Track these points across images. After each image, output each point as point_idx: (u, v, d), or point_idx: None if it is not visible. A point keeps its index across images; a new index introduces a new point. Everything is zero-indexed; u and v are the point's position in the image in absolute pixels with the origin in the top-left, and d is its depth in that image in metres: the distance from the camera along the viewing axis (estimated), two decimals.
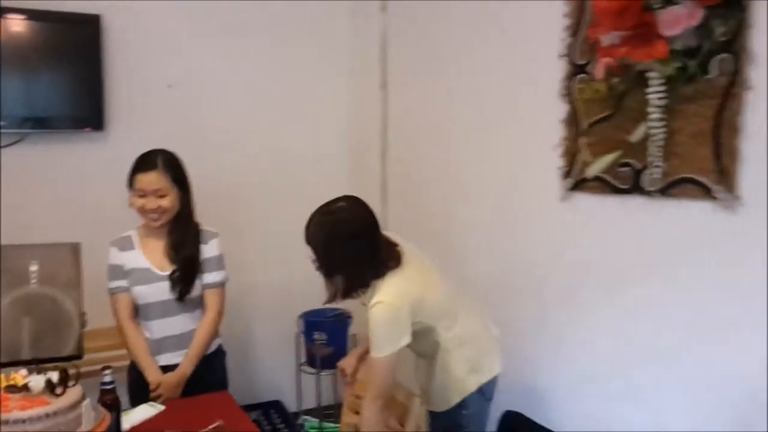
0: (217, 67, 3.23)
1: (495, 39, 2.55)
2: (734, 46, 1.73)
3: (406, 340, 1.95)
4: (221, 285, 2.38)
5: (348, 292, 2.01)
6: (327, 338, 3.18)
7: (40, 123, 2.86)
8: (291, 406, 3.42)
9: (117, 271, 2.30)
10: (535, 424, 2.25)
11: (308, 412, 3.40)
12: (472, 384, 2.09)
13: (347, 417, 2.36)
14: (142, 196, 2.24)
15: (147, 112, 3.08)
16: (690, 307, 1.92)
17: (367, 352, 2.14)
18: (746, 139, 1.75)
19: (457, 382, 2.08)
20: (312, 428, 3.28)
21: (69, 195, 2.98)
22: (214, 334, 2.38)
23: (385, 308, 1.92)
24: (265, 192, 3.39)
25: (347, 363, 2.30)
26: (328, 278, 2.00)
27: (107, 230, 2.37)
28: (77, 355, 2.05)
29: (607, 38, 1.86)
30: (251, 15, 3.26)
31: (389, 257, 2.00)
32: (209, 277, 2.34)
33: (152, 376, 2.26)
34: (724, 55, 1.75)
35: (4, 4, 2.75)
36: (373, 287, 1.98)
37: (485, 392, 2.13)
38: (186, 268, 2.30)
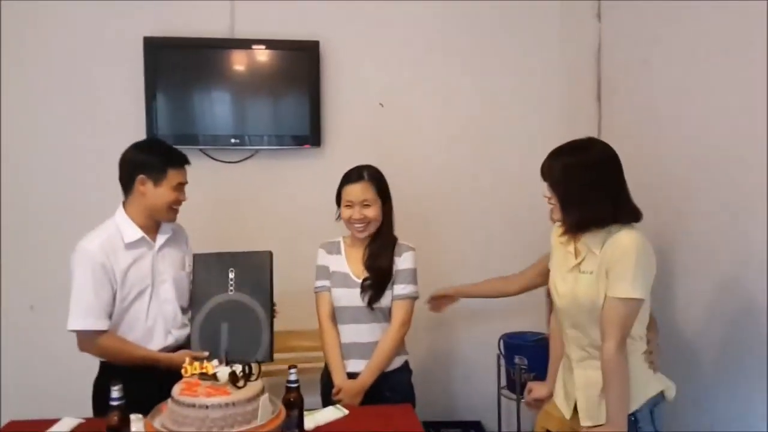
0: (424, 84, 3.30)
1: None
2: None
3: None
4: (409, 298, 2.41)
5: (582, 225, 1.89)
6: (528, 363, 3.04)
7: (269, 140, 3.16)
8: (490, 428, 3.32)
9: (323, 272, 2.47)
10: None
11: None
12: (653, 388, 1.92)
13: None
14: (349, 206, 2.38)
15: (358, 129, 3.25)
16: None
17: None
18: None
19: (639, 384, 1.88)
20: None
21: (290, 205, 3.25)
22: (398, 346, 2.40)
23: (638, 237, 1.82)
24: (467, 209, 3.38)
25: (539, 387, 2.25)
26: (564, 210, 1.91)
27: (318, 238, 2.55)
28: (268, 359, 2.20)
29: None
30: (457, 32, 3.29)
31: (633, 207, 1.90)
32: (398, 289, 2.39)
33: (337, 378, 2.36)
34: None
35: (242, 35, 3.11)
36: (608, 233, 1.86)
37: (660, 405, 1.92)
38: (377, 276, 2.38)
